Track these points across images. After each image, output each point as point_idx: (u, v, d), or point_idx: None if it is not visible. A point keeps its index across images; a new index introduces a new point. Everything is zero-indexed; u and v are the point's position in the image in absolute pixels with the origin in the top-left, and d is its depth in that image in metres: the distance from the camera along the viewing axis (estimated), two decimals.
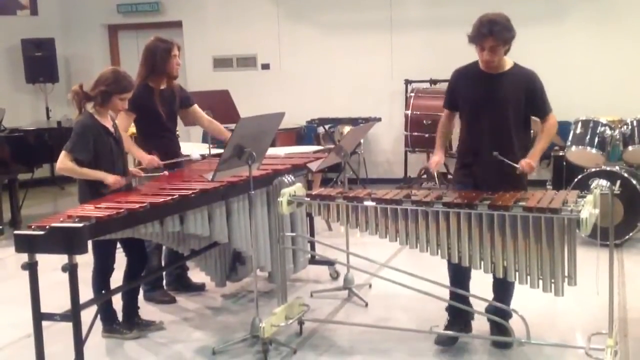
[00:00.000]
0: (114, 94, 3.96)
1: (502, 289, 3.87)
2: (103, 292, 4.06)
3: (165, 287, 4.99)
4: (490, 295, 3.93)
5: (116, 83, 3.96)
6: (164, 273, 5.02)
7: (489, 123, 3.81)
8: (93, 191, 3.90)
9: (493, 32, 3.63)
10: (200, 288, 5.09)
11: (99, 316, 4.08)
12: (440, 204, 3.54)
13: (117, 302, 4.28)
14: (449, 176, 7.57)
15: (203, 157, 5.24)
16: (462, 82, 3.94)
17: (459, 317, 3.98)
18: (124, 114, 4.41)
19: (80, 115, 3.98)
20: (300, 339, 4.15)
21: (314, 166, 4.98)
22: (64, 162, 3.88)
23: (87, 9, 10.03)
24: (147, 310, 4.61)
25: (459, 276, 3.90)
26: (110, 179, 3.90)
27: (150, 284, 4.85)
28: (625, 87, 7.88)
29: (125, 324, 4.26)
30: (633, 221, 5.71)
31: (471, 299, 3.95)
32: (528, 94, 3.81)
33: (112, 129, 4.06)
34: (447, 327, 3.98)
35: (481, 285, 3.94)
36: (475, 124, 3.86)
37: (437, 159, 3.98)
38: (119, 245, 4.18)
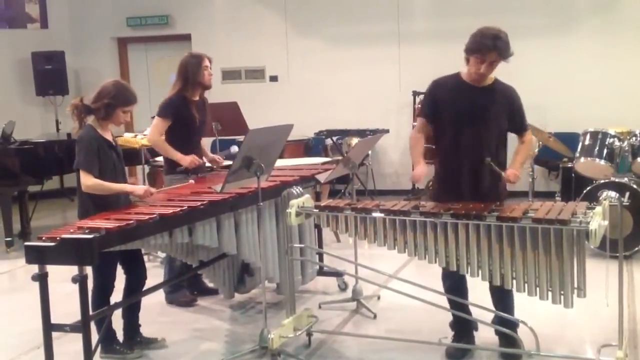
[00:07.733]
0: (117, 106, 3.91)
1: (500, 298, 3.85)
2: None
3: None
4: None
5: (120, 95, 3.92)
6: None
7: (471, 135, 3.79)
8: (97, 207, 3.82)
9: (497, 47, 3.64)
10: (215, 292, 5.09)
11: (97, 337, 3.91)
12: (448, 215, 3.53)
13: (117, 320, 4.12)
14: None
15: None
16: (444, 93, 3.88)
17: (463, 330, 3.98)
18: (160, 119, 4.71)
19: (82, 129, 3.92)
20: (308, 350, 4.14)
21: (322, 177, 4.99)
22: (90, 180, 3.78)
23: (97, 22, 10.11)
24: (158, 322, 4.63)
25: (454, 292, 3.90)
26: (139, 190, 3.93)
27: (172, 286, 4.93)
28: (634, 98, 7.85)
29: (126, 344, 4.11)
30: None
31: (476, 311, 3.93)
32: (510, 109, 3.82)
33: (113, 142, 4.03)
34: (453, 342, 3.98)
35: (487, 296, 3.92)
36: (458, 135, 3.82)
37: (422, 170, 3.91)
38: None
